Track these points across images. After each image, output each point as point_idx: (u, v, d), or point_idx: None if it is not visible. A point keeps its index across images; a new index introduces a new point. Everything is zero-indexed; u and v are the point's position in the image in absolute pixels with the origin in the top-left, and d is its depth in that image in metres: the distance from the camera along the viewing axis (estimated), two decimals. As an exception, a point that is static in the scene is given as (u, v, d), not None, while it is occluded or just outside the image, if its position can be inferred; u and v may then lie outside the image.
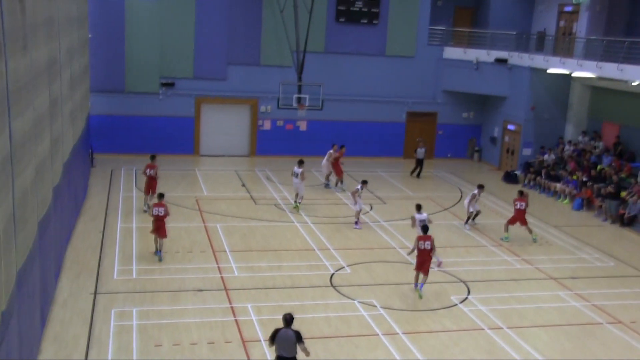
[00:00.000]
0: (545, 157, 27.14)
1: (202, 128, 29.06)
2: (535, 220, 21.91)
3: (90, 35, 24.87)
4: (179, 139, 28.67)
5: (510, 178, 27.66)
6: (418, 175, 27.18)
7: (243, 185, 24.19)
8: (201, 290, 14.61)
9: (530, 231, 19.54)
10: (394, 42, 30.05)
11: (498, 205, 23.67)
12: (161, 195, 16.87)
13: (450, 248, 18.60)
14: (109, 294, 14.20)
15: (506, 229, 19.55)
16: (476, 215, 20.68)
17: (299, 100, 27.39)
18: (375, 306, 14.29)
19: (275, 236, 18.75)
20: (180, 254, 16.90)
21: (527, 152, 28.44)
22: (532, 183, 26.69)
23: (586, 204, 23.73)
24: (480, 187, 20.54)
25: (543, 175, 26.29)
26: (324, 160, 24.52)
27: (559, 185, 25.17)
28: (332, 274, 16.01)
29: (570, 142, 27.74)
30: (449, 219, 21.67)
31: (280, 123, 29.62)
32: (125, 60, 27.60)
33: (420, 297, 14.86)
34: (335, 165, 24.27)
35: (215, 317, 13.32)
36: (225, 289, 14.69)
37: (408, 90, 30.66)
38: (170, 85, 28.19)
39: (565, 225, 21.65)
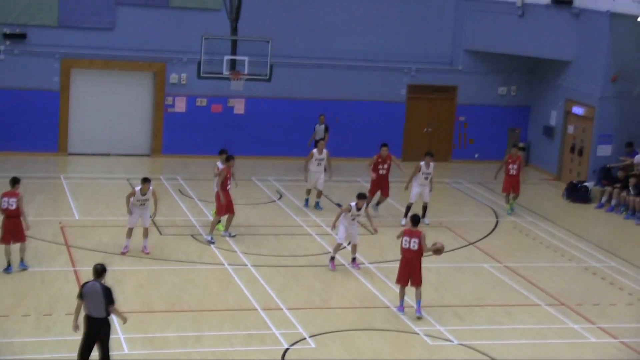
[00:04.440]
0: (636, 159, 27.41)
1: (73, 110, 28.99)
2: (620, 263, 22.05)
3: None
4: (33, 127, 28.53)
5: (576, 193, 27.86)
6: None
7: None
8: (65, 379, 14.45)
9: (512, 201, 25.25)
10: (389, -29, 30.37)
11: (557, 238, 23.77)
12: (15, 181, 19.08)
13: (479, 307, 18.62)
14: None
15: (507, 200, 25.70)
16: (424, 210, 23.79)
17: (232, 65, 27.19)
18: (356, 403, 14.23)
19: (191, 287, 18.73)
20: (33, 317, 16.69)
21: (604, 150, 28.71)
22: (613, 201, 26.88)
23: None
24: (428, 154, 23.81)
25: (631, 189, 26.48)
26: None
27: (657, 207, 25.54)
28: (286, 350, 15.94)
29: (677, 136, 28.17)
30: (477, 259, 21.72)
31: (202, 102, 29.70)
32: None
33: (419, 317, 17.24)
34: (375, 175, 24.56)
35: None
36: (105, 376, 14.44)
37: (411, 50, 30.97)
38: (19, 37, 28.09)
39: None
